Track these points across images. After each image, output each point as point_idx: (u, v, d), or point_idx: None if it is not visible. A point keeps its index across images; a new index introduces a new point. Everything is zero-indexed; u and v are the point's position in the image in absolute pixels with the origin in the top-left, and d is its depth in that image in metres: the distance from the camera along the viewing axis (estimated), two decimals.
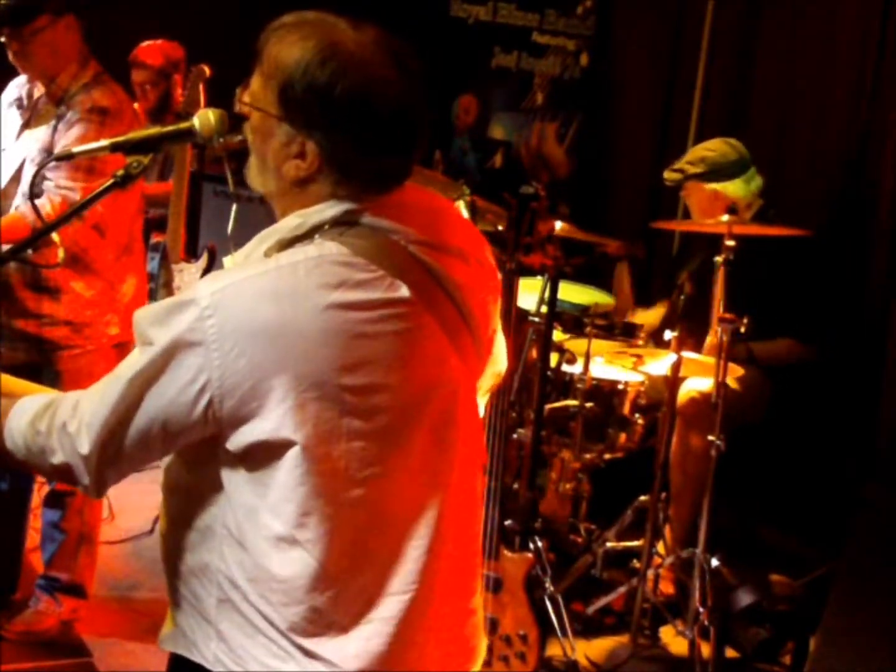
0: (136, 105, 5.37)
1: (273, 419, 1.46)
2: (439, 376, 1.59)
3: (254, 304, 1.46)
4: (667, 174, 4.19)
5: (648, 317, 4.35)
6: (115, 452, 1.51)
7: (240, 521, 1.53)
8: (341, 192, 1.54)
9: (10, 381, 1.66)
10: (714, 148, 4.13)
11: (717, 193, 4.07)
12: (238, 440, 1.48)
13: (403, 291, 1.53)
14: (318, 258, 1.49)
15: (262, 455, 1.49)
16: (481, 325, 1.67)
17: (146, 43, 5.26)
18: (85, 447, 1.50)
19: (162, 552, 1.66)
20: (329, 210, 1.54)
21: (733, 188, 4.07)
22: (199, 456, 1.55)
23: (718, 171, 4.07)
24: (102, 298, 3.23)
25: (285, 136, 1.52)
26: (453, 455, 1.63)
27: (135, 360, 1.50)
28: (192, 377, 1.46)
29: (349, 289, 1.49)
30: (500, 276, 1.78)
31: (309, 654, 1.54)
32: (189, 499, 1.59)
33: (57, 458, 1.53)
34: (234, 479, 1.53)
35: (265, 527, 1.52)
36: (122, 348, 3.34)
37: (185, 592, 1.61)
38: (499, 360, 1.79)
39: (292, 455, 1.48)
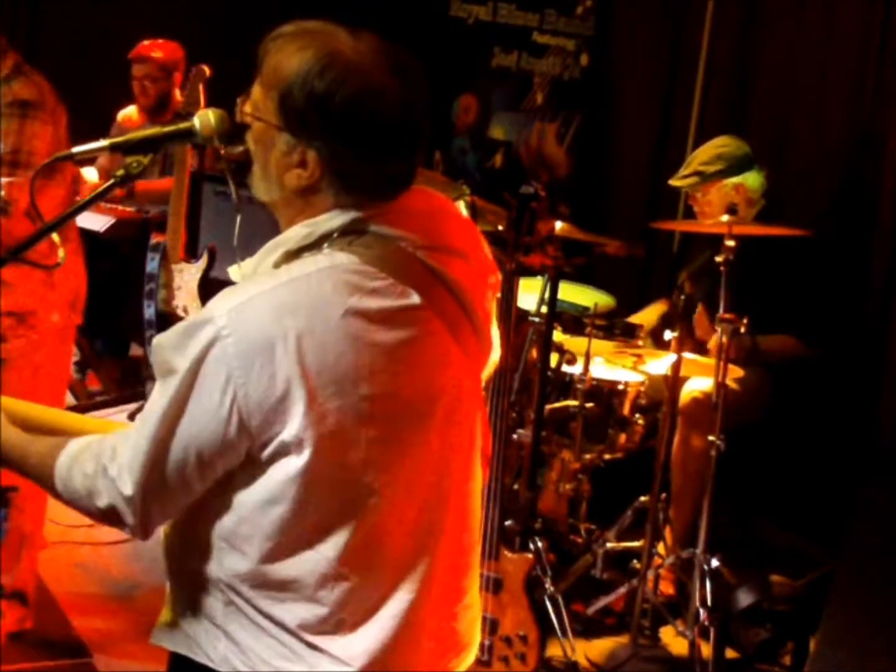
0: (132, 107, 5.42)
1: (294, 431, 1.46)
2: (446, 378, 1.60)
3: (270, 319, 1.46)
4: (681, 182, 4.14)
5: (644, 316, 4.34)
6: (158, 489, 1.51)
7: (245, 531, 1.53)
8: (344, 201, 1.54)
9: (25, 407, 1.67)
10: (725, 143, 4.13)
11: (738, 187, 4.06)
12: (264, 452, 1.49)
13: (413, 298, 1.54)
14: (330, 269, 1.50)
15: (282, 466, 1.49)
16: (483, 322, 1.69)
17: (148, 41, 5.27)
18: (128, 489, 1.50)
19: (164, 557, 1.66)
20: (337, 219, 1.54)
21: (752, 179, 4.09)
22: None
23: (738, 164, 4.07)
24: (41, 287, 3.16)
25: (286, 146, 1.52)
26: (457, 453, 1.65)
27: (161, 394, 1.50)
28: (219, 399, 1.46)
29: (362, 298, 1.49)
30: (497, 269, 1.79)
31: (317, 649, 1.55)
32: (189, 511, 1.58)
33: (102, 502, 1.54)
34: (246, 491, 1.52)
35: (275, 536, 1.52)
36: (65, 333, 3.29)
37: (188, 597, 1.61)
38: (495, 349, 1.80)
39: (312, 465, 1.48)
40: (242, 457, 1.50)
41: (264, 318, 1.46)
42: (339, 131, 1.50)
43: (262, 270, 1.55)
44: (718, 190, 4.08)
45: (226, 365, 1.45)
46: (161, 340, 1.51)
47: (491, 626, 3.14)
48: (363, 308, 1.48)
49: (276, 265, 1.54)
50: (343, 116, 1.49)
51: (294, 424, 1.46)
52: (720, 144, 4.14)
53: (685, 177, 4.13)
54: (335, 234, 1.54)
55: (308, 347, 1.45)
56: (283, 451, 1.48)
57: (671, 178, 4.22)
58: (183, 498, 1.55)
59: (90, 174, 5.19)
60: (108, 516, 1.55)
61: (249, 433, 1.47)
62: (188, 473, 1.51)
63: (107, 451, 1.54)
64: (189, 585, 1.61)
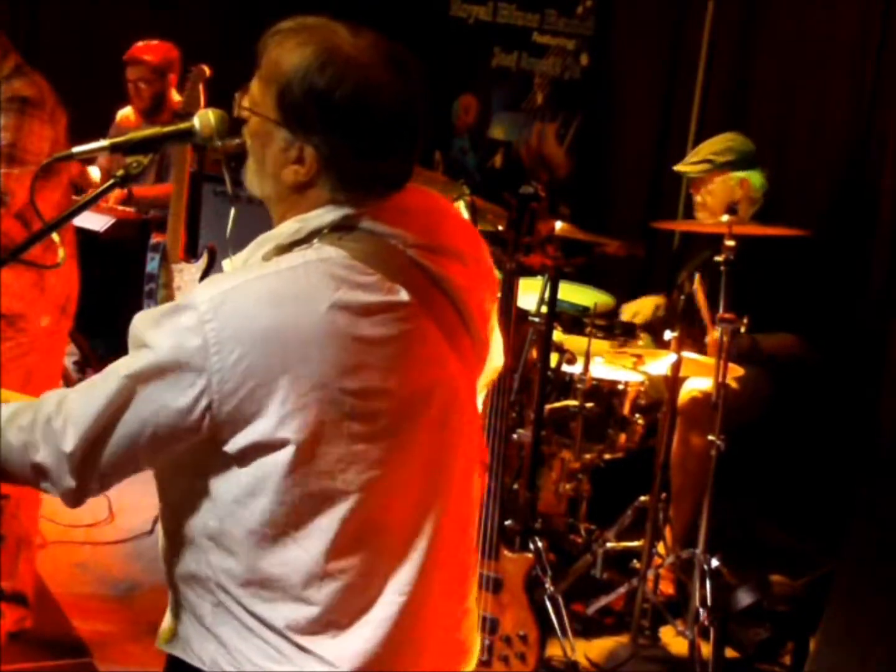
0: (129, 108, 5.43)
1: (272, 422, 1.46)
2: (438, 379, 1.59)
3: (253, 308, 1.46)
4: (690, 168, 4.13)
5: (639, 306, 4.33)
6: (100, 454, 1.48)
7: (228, 527, 1.52)
8: (340, 197, 1.53)
9: None
10: (733, 138, 4.15)
11: (743, 182, 4.07)
12: (237, 442, 1.48)
13: (402, 295, 1.53)
14: (318, 262, 1.49)
15: (260, 457, 1.48)
16: (480, 326, 1.68)
17: (142, 42, 5.28)
18: (69, 444, 1.47)
19: (161, 560, 1.66)
20: (328, 215, 1.54)
21: (756, 177, 4.09)
22: (186, 469, 1.54)
23: (745, 159, 4.09)
24: (32, 289, 3.13)
25: (284, 141, 1.52)
26: (453, 456, 1.64)
27: (129, 362, 1.48)
28: (190, 382, 1.45)
29: (348, 292, 1.49)
30: (497, 274, 1.78)
31: (306, 651, 1.54)
32: (176, 511, 1.58)
33: (39, 455, 1.49)
34: (225, 485, 1.52)
35: (258, 530, 1.51)
36: (56, 338, 3.27)
37: (181, 599, 1.61)
38: (496, 356, 1.79)
39: (290, 457, 1.47)
40: (201, 441, 1.47)
41: (247, 307, 1.45)
42: (339, 127, 1.49)
43: (252, 263, 1.55)
44: (724, 182, 4.09)
45: (203, 351, 1.44)
46: (141, 317, 1.50)
47: (491, 626, 3.14)
48: (349, 302, 1.48)
49: (266, 258, 1.54)
50: (342, 112, 1.48)
51: (271, 416, 1.45)
52: (729, 138, 4.16)
53: (694, 163, 4.13)
54: (325, 230, 1.53)
55: (290, 339, 1.45)
56: (261, 443, 1.47)
57: (677, 164, 4.23)
58: (123, 471, 1.51)
59: (95, 173, 5.20)
60: (42, 474, 1.49)
61: (216, 421, 1.46)
62: (138, 447, 1.48)
63: (51, 403, 1.50)
64: (181, 587, 1.61)
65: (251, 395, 1.45)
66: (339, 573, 1.53)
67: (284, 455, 1.47)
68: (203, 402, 1.45)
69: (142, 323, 1.49)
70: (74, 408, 1.48)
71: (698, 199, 4.18)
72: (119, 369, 1.48)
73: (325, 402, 1.47)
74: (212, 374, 1.44)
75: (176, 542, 1.59)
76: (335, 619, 1.54)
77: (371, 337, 1.50)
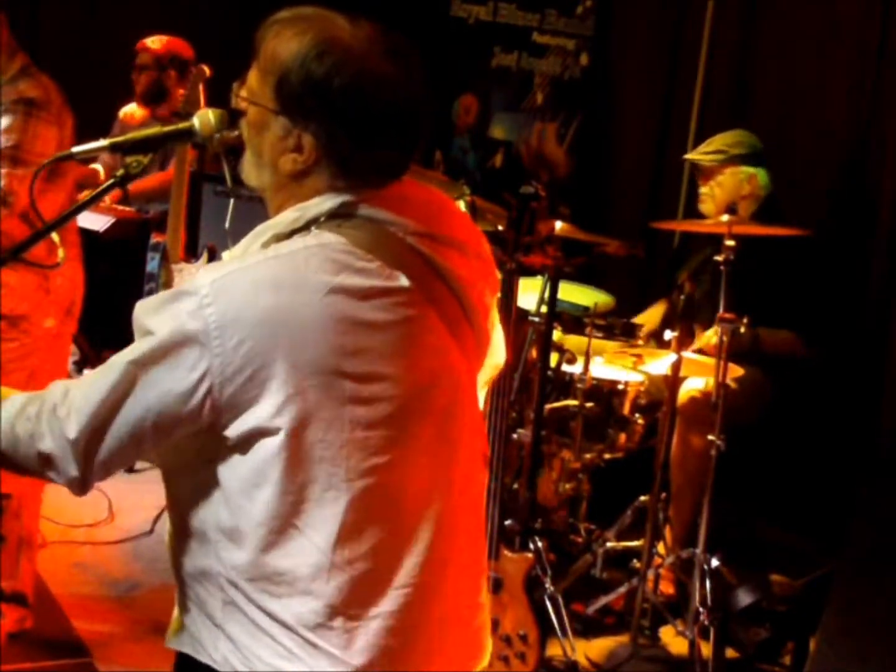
0: (133, 104, 5.44)
1: (273, 406, 1.46)
2: (441, 368, 1.59)
3: (253, 292, 1.46)
4: (703, 157, 4.12)
5: (647, 317, 4.34)
6: (104, 441, 1.49)
7: (236, 521, 1.53)
8: (339, 185, 1.54)
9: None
10: (746, 134, 4.17)
11: (752, 178, 4.07)
12: (237, 428, 1.48)
13: (402, 281, 1.53)
14: (318, 247, 1.50)
15: (261, 445, 1.48)
16: (481, 318, 1.68)
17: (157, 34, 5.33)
18: (73, 431, 1.48)
19: (169, 557, 1.66)
20: (327, 202, 1.54)
21: (762, 175, 4.10)
22: (192, 463, 1.55)
23: (755, 156, 4.09)
24: (37, 291, 3.14)
25: (282, 130, 1.53)
26: (457, 448, 1.63)
27: (132, 348, 1.49)
28: (191, 365, 1.46)
29: (349, 277, 1.49)
30: (497, 269, 1.78)
31: (315, 647, 1.53)
32: (184, 506, 1.58)
33: (45, 444, 1.50)
34: (231, 477, 1.52)
35: (264, 522, 1.51)
36: (60, 340, 3.27)
37: (191, 596, 1.61)
38: (497, 352, 1.79)
39: (292, 443, 1.47)
40: (203, 428, 1.48)
41: (246, 291, 1.46)
42: (337, 115, 1.50)
43: (251, 251, 1.55)
44: (733, 175, 4.08)
45: (204, 335, 1.45)
46: (143, 305, 1.51)
47: (491, 626, 3.14)
48: (348, 286, 1.48)
49: (265, 247, 1.54)
50: (341, 101, 1.49)
51: (271, 400, 1.46)
52: (741, 133, 4.17)
53: (708, 153, 4.12)
54: (323, 218, 1.54)
55: (288, 323, 1.45)
56: (261, 430, 1.47)
57: (688, 154, 4.22)
58: (127, 457, 1.52)
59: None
60: (49, 463, 1.51)
61: (216, 406, 1.47)
62: (141, 433, 1.49)
63: (57, 392, 1.51)
64: (190, 584, 1.61)
65: (251, 379, 1.45)
66: (346, 564, 1.53)
67: (285, 441, 1.47)
68: (204, 386, 1.46)
69: (143, 310, 1.50)
70: (79, 396, 1.49)
71: (705, 190, 4.16)
72: (123, 357, 1.49)
73: (325, 386, 1.47)
74: (213, 358, 1.45)
75: (185, 537, 1.59)
76: (343, 612, 1.54)
77: (371, 321, 1.50)
